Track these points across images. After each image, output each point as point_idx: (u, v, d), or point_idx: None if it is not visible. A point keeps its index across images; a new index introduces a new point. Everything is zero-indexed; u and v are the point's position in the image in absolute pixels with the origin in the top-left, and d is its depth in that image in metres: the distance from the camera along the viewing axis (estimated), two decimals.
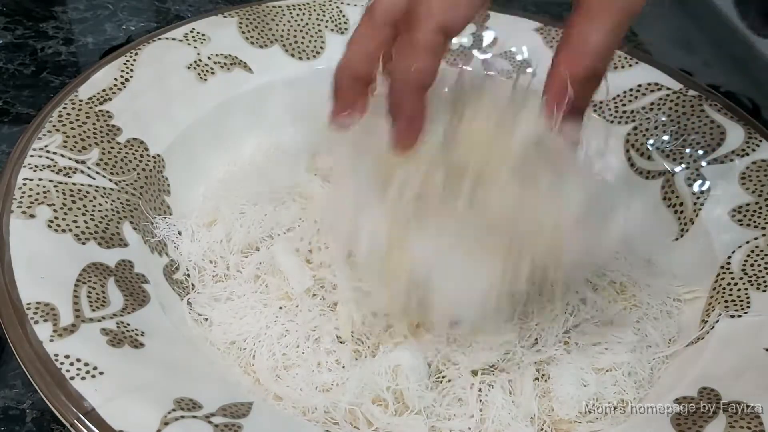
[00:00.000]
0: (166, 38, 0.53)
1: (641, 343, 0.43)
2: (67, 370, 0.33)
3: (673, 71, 0.56)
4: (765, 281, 0.43)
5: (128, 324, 0.37)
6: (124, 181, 0.45)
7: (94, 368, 0.33)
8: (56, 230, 0.39)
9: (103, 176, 0.44)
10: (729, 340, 0.41)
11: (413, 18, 0.33)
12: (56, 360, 0.33)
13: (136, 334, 0.36)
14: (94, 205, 0.42)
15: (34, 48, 0.69)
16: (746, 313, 0.42)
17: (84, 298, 0.37)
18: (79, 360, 0.34)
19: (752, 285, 0.43)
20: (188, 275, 0.45)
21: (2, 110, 0.62)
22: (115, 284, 0.39)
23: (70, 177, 0.42)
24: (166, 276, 0.43)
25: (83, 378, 0.33)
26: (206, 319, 0.43)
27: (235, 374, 0.40)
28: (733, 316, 0.42)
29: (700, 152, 0.51)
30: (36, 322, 0.35)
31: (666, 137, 0.53)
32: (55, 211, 0.40)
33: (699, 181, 0.50)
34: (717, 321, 0.42)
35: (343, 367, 0.40)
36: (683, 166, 0.51)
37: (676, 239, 0.50)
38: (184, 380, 0.35)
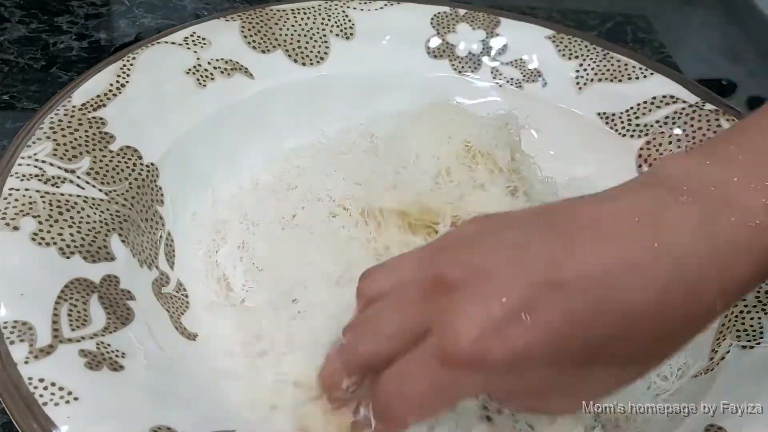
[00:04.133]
0: (166, 42, 0.52)
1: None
2: (41, 395, 0.32)
3: (689, 83, 0.54)
4: None
5: (109, 345, 0.35)
6: (114, 191, 0.43)
7: (69, 393, 0.32)
8: (40, 243, 0.38)
9: (93, 186, 0.42)
10: (740, 372, 0.39)
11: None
12: (30, 384, 0.32)
13: (117, 356, 0.35)
14: (81, 217, 0.41)
15: (46, 42, 0.69)
16: (759, 343, 0.40)
17: (64, 316, 0.35)
18: (54, 384, 0.32)
19: (765, 313, 0.41)
20: (181, 288, 0.44)
21: (8, 104, 0.61)
22: (99, 301, 0.37)
23: (58, 187, 0.41)
24: (155, 291, 0.42)
25: (57, 404, 0.32)
26: (195, 337, 0.42)
27: (222, 398, 0.38)
28: (744, 347, 0.40)
29: None
30: (12, 342, 0.33)
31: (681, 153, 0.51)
32: (40, 223, 0.39)
33: None
34: (727, 351, 0.40)
35: None
36: None
37: None
38: (163, 407, 0.34)
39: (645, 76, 0.54)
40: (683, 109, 0.52)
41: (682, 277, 0.29)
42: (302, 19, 0.57)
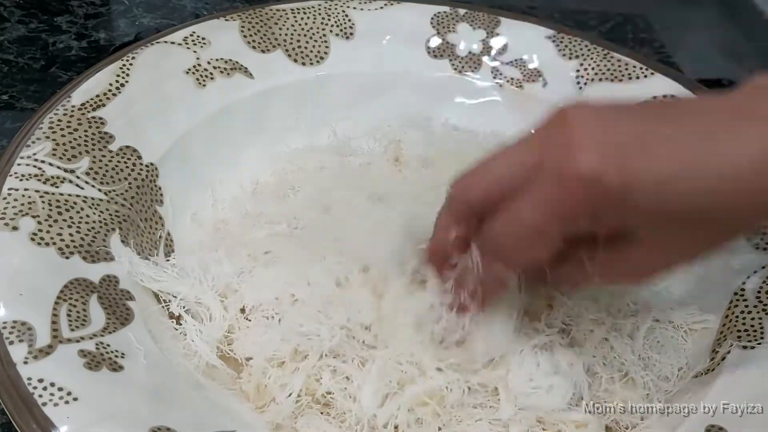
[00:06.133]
0: (165, 42, 0.52)
1: (647, 375, 0.41)
2: (40, 395, 0.32)
3: (689, 83, 0.53)
4: None
5: (108, 345, 0.35)
6: (114, 191, 0.43)
7: (68, 393, 0.32)
8: (39, 243, 0.38)
9: (93, 186, 0.42)
10: (741, 372, 0.39)
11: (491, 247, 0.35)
12: (29, 384, 0.32)
13: (116, 356, 0.35)
14: (81, 217, 0.41)
15: (46, 42, 0.68)
16: (759, 343, 0.40)
17: (63, 316, 0.35)
18: (53, 384, 0.32)
19: (766, 314, 0.41)
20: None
21: (7, 104, 0.61)
22: (98, 301, 0.37)
23: (57, 187, 0.41)
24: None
25: (56, 404, 0.32)
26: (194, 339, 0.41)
27: (221, 398, 0.38)
28: (745, 347, 0.40)
29: None
30: (11, 342, 0.33)
31: None
32: (39, 223, 0.39)
33: None
34: (728, 352, 0.40)
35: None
36: None
37: None
38: (163, 407, 0.34)
39: (645, 76, 0.54)
40: None
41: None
42: (302, 18, 0.56)
